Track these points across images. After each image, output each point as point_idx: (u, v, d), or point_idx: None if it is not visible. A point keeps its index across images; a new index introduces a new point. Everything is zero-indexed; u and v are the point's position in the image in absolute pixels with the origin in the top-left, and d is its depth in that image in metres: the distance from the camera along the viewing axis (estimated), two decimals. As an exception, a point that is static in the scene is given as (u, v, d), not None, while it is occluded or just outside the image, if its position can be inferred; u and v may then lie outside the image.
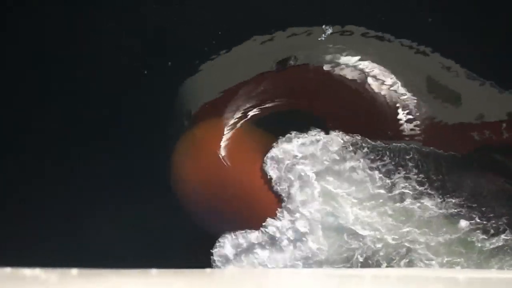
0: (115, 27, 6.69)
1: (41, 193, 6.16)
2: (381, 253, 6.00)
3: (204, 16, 6.74)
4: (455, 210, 6.07)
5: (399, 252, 5.99)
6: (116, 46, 6.73)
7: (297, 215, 6.10)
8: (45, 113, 6.53)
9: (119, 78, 6.60)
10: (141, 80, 6.64)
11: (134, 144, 6.46)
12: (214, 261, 6.08)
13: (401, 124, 6.35)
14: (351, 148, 6.27)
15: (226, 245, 6.10)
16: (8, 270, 3.20)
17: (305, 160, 6.25)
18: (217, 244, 6.11)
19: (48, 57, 6.61)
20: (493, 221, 6.03)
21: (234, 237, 6.11)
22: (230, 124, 6.50)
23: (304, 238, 6.03)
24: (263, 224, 6.14)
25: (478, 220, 6.03)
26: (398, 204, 6.12)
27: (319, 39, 6.49)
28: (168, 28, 6.76)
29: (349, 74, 6.44)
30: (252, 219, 6.16)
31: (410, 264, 5.96)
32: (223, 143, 6.41)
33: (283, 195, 6.22)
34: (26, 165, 6.37)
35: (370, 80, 6.42)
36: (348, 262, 6.02)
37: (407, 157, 6.19)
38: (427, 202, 6.09)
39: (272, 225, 6.12)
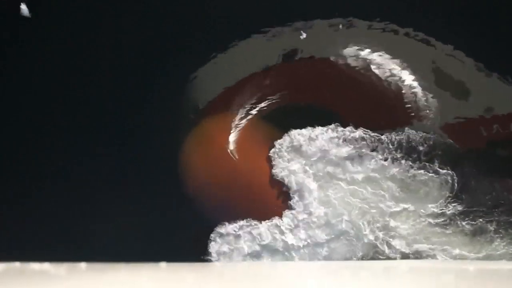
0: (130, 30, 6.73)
1: (50, 189, 6.20)
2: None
3: (211, 11, 6.73)
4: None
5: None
6: (127, 45, 6.77)
7: (306, 209, 6.08)
8: (55, 111, 6.59)
9: (125, 75, 6.62)
10: (150, 74, 6.66)
11: (142, 139, 6.48)
12: (221, 253, 6.06)
13: (409, 116, 6.30)
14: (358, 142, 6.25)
15: (232, 238, 6.09)
16: (17, 264, 3.20)
17: (312, 156, 6.25)
18: (224, 237, 6.09)
19: (58, 56, 6.65)
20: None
21: (241, 229, 6.10)
22: (237, 118, 6.49)
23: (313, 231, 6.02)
24: (271, 217, 6.12)
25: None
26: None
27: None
28: (179, 22, 6.76)
29: (355, 65, 6.41)
30: (260, 212, 6.14)
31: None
32: (231, 137, 6.41)
33: (292, 189, 6.20)
34: (35, 161, 6.39)
35: (376, 71, 6.39)
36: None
37: (419, 148, 6.16)
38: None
39: (279, 219, 6.10)
